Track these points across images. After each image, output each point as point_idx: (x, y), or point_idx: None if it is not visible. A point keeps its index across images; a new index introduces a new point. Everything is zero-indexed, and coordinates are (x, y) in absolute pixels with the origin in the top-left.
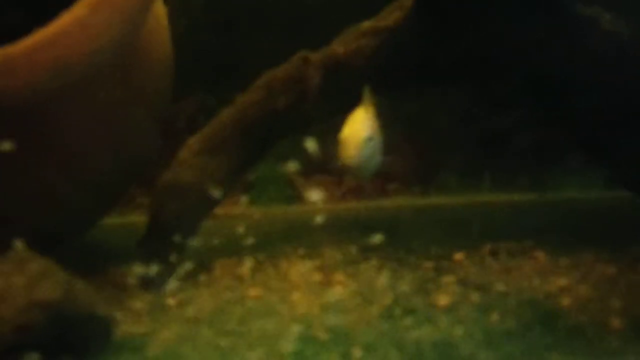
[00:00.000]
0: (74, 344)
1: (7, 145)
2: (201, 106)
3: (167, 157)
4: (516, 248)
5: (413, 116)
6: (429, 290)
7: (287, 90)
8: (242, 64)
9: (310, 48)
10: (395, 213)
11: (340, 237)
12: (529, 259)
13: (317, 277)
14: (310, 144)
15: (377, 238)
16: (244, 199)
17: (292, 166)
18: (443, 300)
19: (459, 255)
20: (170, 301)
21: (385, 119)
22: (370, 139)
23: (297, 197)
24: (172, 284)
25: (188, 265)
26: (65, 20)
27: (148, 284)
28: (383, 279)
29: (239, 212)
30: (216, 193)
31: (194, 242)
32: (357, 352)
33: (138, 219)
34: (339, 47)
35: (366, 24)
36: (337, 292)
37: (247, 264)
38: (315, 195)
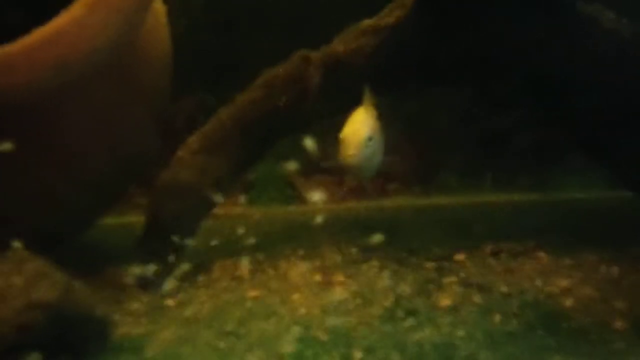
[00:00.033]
0: (73, 345)
1: (6, 145)
2: (200, 105)
3: (166, 156)
4: (518, 248)
5: (413, 116)
6: (430, 291)
7: (287, 89)
8: (242, 63)
9: (310, 47)
10: (395, 213)
11: (340, 238)
12: (531, 259)
13: (317, 277)
14: (309, 143)
15: (377, 238)
16: (242, 198)
17: (291, 165)
18: (444, 301)
19: (460, 256)
20: (169, 302)
21: (385, 118)
22: (370, 138)
23: (297, 197)
24: (170, 285)
25: (186, 266)
26: (63, 19)
27: (146, 285)
28: (384, 280)
29: (239, 212)
30: (215, 193)
31: (193, 243)
32: (357, 354)
33: (136, 219)
34: (339, 45)
35: (366, 23)
36: (337, 293)
37: (247, 265)
38: (316, 196)
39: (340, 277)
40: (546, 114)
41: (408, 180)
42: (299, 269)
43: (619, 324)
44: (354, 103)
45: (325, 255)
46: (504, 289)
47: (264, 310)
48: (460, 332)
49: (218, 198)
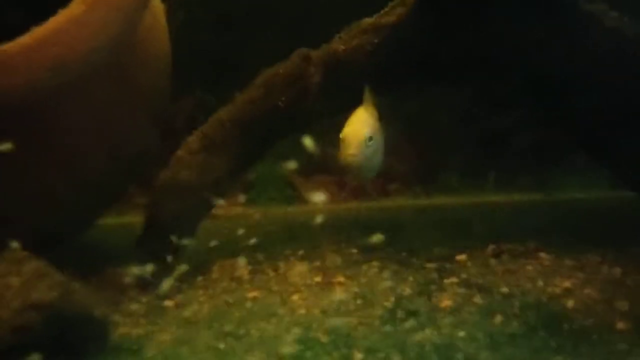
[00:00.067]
0: (72, 345)
1: (5, 146)
2: (200, 105)
3: (166, 156)
4: (519, 249)
5: (413, 116)
6: (431, 292)
7: (287, 88)
8: (242, 62)
9: (310, 45)
10: (396, 213)
11: (340, 238)
12: (532, 260)
13: (317, 278)
14: (308, 142)
15: (377, 238)
16: (242, 198)
17: (290, 165)
18: (445, 302)
19: (461, 257)
20: (168, 303)
21: (385, 118)
22: (371, 138)
23: (297, 198)
24: (168, 285)
25: (184, 267)
26: (61, 18)
27: (145, 285)
28: (384, 281)
29: (238, 212)
30: (215, 193)
31: (193, 243)
32: (358, 355)
33: (136, 218)
34: (339, 44)
35: (367, 21)
36: (337, 294)
37: (246, 265)
38: (318, 196)
39: (340, 278)
40: (546, 113)
41: (408, 180)
42: (298, 270)
43: (620, 325)
44: (355, 102)
45: (325, 255)
46: (505, 289)
47: (263, 311)
48: (461, 333)
49: (217, 199)
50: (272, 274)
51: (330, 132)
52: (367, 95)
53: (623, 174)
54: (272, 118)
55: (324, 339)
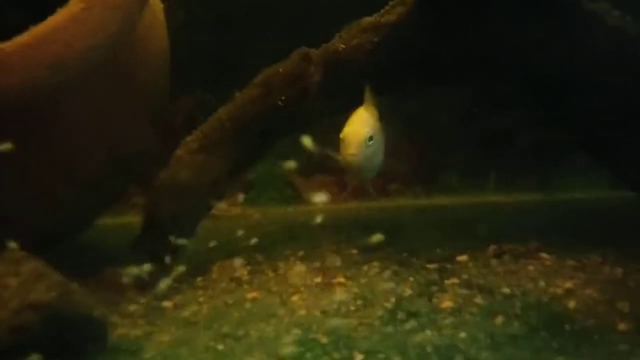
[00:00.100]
0: (71, 346)
1: (4, 146)
2: (199, 104)
3: (165, 156)
4: (520, 249)
5: (413, 116)
6: (432, 292)
7: (286, 87)
8: (242, 61)
9: (310, 45)
10: (396, 213)
11: (340, 238)
12: (534, 260)
13: (317, 279)
14: (307, 141)
15: (377, 238)
16: (242, 198)
17: (290, 164)
18: (446, 303)
19: (462, 257)
20: (167, 303)
21: (386, 118)
22: (371, 138)
23: (297, 198)
24: (166, 285)
25: (182, 268)
26: (60, 16)
27: (143, 286)
28: (385, 282)
29: (238, 212)
30: (214, 193)
31: (192, 243)
32: (358, 356)
33: (135, 219)
34: (339, 43)
35: (367, 20)
36: (337, 295)
37: (245, 266)
38: (319, 197)
39: (340, 279)
40: (547, 113)
41: (409, 180)
42: (298, 270)
43: (622, 326)
44: (355, 101)
45: (325, 256)
46: (506, 290)
47: (263, 311)
48: (462, 334)
49: (216, 193)
50: (271, 274)
51: (330, 132)
52: (367, 95)
53: (623, 174)
54: (272, 117)
55: (324, 340)
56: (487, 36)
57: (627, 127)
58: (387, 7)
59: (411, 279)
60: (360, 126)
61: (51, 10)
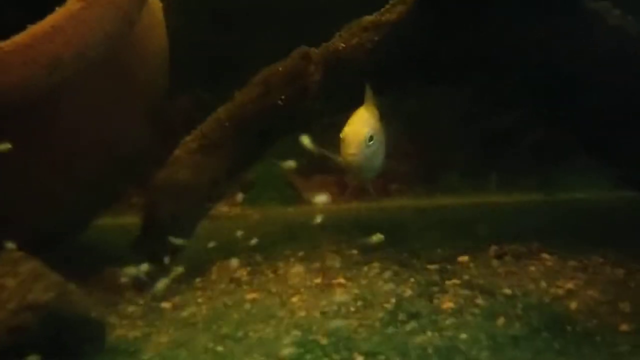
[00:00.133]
0: (69, 347)
1: (2, 145)
2: (198, 104)
3: (164, 155)
4: (522, 250)
5: (414, 116)
6: (433, 293)
7: (286, 86)
8: (241, 60)
9: (310, 44)
10: (397, 214)
11: (340, 239)
12: (535, 261)
13: (317, 280)
14: (306, 140)
15: (377, 238)
16: (241, 198)
17: (289, 164)
18: (447, 304)
19: (463, 258)
20: (166, 304)
21: (386, 118)
22: (371, 138)
23: (296, 198)
24: (163, 284)
25: (180, 269)
26: (58, 15)
27: (141, 286)
28: (385, 282)
29: (237, 212)
30: (213, 193)
31: (190, 244)
32: (358, 358)
33: (133, 219)
34: (339, 42)
35: (367, 19)
36: (337, 296)
37: (245, 267)
38: (321, 198)
39: (340, 279)
40: (548, 113)
41: (409, 180)
42: (298, 271)
43: (624, 327)
44: (355, 101)
45: (325, 256)
46: (507, 291)
47: (262, 313)
48: (463, 336)
49: (215, 194)
50: (271, 275)
51: (331, 132)
52: (368, 94)
53: (624, 174)
54: (272, 117)
55: (324, 341)
56: (487, 36)
57: (628, 127)
58: (387, 6)
59: (412, 279)
60: (361, 126)
61: (50, 9)
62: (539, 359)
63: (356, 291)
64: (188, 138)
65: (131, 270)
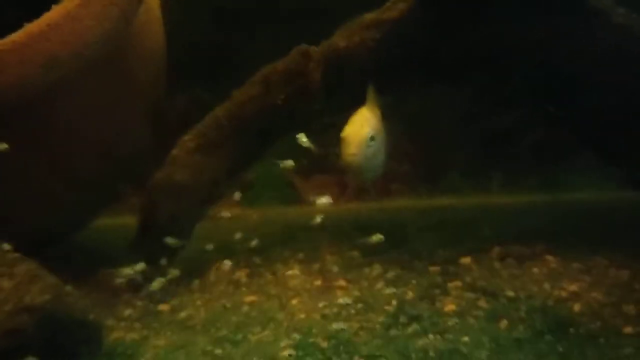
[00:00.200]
0: (65, 349)
1: (1, 146)
2: (196, 102)
3: (161, 155)
4: (525, 252)
5: (414, 116)
6: (435, 296)
7: (286, 85)
8: (240, 58)
9: (310, 42)
10: (398, 214)
11: (341, 240)
12: (539, 263)
13: (317, 282)
14: (304, 140)
15: (377, 238)
16: (240, 199)
17: (287, 163)
18: (449, 306)
19: (465, 260)
20: (163, 307)
21: (387, 118)
22: (372, 138)
23: (296, 198)
24: (159, 284)
25: (176, 271)
26: (55, 14)
27: (138, 287)
28: (386, 285)
29: (236, 213)
30: (212, 193)
31: (189, 245)
32: None
33: (131, 219)
34: (340, 40)
35: (368, 16)
36: (338, 298)
37: (244, 269)
38: (323, 200)
39: (341, 281)
40: (549, 113)
41: (410, 180)
42: (298, 273)
43: (628, 329)
44: (356, 99)
45: (325, 258)
46: (510, 293)
47: (261, 315)
48: (466, 338)
49: (213, 194)
50: (270, 277)
51: (331, 132)
52: (370, 94)
53: (625, 174)
54: (271, 116)
55: (324, 344)
56: (487, 35)
57: (630, 126)
58: (388, 4)
59: (413, 281)
60: (362, 126)
61: (47, 7)
62: None
63: (357, 293)
64: (186, 137)
65: (126, 270)
